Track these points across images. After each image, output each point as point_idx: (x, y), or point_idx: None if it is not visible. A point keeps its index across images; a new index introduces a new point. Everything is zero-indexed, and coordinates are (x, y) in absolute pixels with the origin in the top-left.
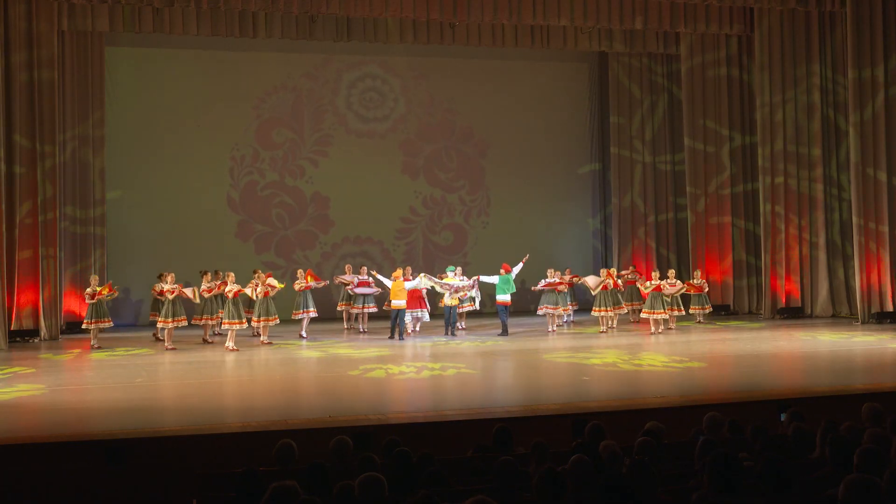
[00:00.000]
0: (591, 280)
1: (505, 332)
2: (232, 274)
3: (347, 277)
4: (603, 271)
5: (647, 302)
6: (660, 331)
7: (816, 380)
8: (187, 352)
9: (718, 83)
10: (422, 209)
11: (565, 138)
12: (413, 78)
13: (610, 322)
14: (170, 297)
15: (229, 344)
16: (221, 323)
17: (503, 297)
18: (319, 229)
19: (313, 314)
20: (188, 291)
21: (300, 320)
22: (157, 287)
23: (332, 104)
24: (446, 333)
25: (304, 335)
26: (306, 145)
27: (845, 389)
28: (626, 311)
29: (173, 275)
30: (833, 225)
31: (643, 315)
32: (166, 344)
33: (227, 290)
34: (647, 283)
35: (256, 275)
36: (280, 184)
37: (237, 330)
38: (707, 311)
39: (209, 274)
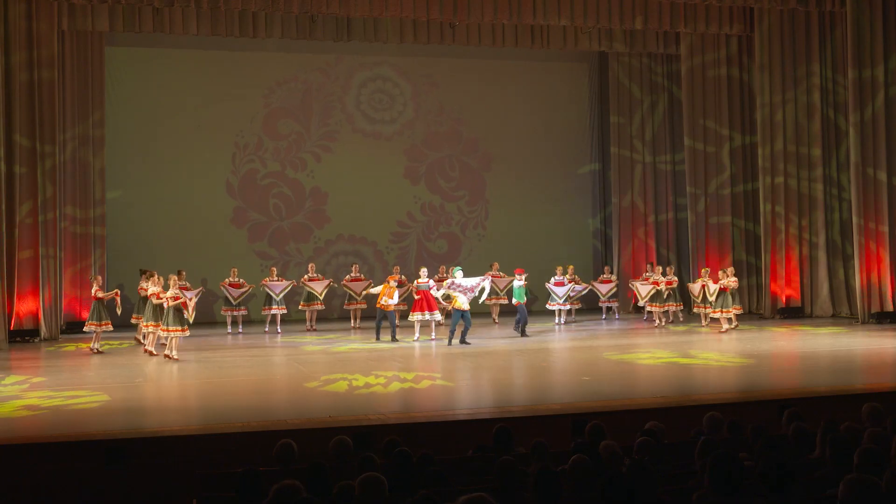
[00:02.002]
0: (642, 289)
1: (523, 332)
2: (174, 276)
3: (316, 285)
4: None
5: (718, 301)
6: (733, 327)
7: (816, 380)
8: (187, 352)
9: (718, 83)
10: (419, 215)
11: (565, 138)
12: (424, 85)
13: (667, 317)
14: (155, 301)
15: (172, 353)
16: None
17: (519, 299)
18: (315, 224)
19: (280, 311)
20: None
21: (268, 317)
22: (152, 289)
23: (340, 101)
24: (461, 342)
25: (268, 330)
26: (311, 139)
27: (845, 389)
28: (666, 310)
29: (156, 274)
30: (833, 225)
31: (713, 315)
32: (148, 346)
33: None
34: (714, 286)
35: (172, 280)
36: (281, 174)
37: (178, 337)
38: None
39: (152, 274)
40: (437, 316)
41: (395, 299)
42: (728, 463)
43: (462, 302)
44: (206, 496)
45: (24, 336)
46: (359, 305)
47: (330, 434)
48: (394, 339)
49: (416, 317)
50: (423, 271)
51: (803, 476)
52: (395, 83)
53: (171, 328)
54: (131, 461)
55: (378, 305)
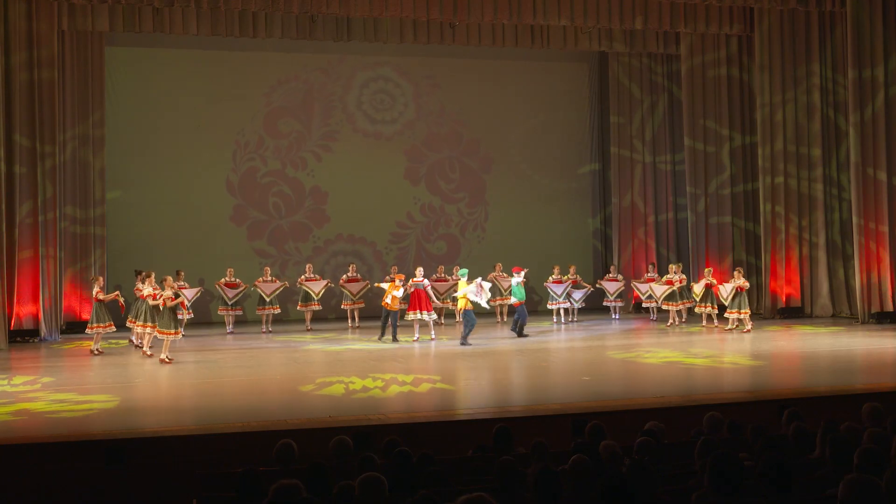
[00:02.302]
0: (657, 289)
1: (520, 333)
2: (169, 278)
3: (313, 285)
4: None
5: (734, 301)
6: (747, 329)
7: (816, 380)
8: (185, 353)
9: (718, 83)
10: (419, 216)
11: (565, 138)
12: (425, 85)
13: (680, 316)
14: (151, 302)
15: (163, 355)
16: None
17: (519, 298)
18: (314, 223)
19: (273, 311)
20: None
21: (263, 317)
22: (147, 290)
23: (341, 101)
24: (462, 343)
25: (264, 330)
26: (312, 138)
27: (845, 389)
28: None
29: (153, 274)
30: (833, 225)
31: (726, 315)
32: (145, 347)
33: (164, 296)
34: (730, 285)
35: (166, 281)
36: (281, 173)
37: (171, 340)
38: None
39: (149, 275)
40: (434, 315)
41: (400, 293)
42: (728, 463)
43: (476, 300)
44: (206, 496)
45: (23, 336)
46: (356, 305)
47: (330, 434)
48: (394, 340)
49: (412, 316)
50: (419, 270)
51: (803, 476)
52: (396, 83)
53: (164, 331)
54: (131, 461)
55: (383, 304)
